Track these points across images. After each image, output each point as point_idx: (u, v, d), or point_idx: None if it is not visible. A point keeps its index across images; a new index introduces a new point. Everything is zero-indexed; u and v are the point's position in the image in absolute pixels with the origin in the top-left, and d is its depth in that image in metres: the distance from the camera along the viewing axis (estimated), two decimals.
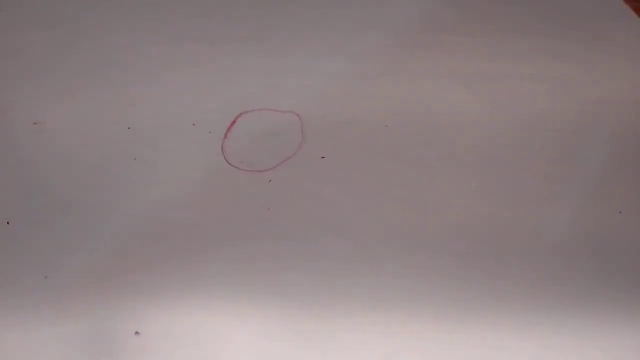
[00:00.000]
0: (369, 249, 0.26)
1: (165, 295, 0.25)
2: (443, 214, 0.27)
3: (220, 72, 0.32)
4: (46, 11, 0.34)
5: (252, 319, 0.25)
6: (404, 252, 0.26)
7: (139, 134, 0.30)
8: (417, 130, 0.29)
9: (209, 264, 0.26)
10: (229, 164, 0.29)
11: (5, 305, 0.25)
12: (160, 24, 0.34)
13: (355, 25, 0.33)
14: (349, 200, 0.27)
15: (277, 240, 0.26)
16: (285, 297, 0.25)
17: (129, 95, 0.31)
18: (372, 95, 0.30)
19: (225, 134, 0.30)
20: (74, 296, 0.25)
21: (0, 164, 0.29)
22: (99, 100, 0.31)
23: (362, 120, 0.29)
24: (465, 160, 0.28)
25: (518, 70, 0.31)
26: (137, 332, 0.24)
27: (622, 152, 0.28)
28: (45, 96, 0.31)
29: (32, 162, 0.29)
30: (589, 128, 0.29)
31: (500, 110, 0.29)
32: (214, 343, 0.24)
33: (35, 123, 0.30)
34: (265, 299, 0.25)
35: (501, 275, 0.26)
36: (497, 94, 0.30)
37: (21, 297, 0.25)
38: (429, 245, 0.27)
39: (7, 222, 0.27)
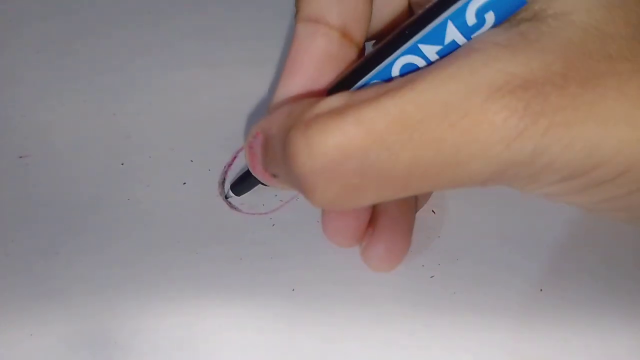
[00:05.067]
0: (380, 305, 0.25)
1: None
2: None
3: (220, 101, 0.30)
4: (39, 41, 0.33)
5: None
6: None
7: (132, 171, 0.28)
8: None
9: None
10: (230, 206, 0.27)
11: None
12: (154, 50, 0.32)
13: None
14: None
15: (284, 294, 0.25)
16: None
17: (122, 129, 0.29)
18: None
19: (226, 171, 0.28)
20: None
21: None
22: (90, 132, 0.29)
23: None
24: None
25: None
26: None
27: None
28: (32, 128, 0.29)
29: (17, 199, 0.27)
30: None
31: None
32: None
33: (21, 157, 0.28)
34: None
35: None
36: None
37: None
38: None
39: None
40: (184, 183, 0.28)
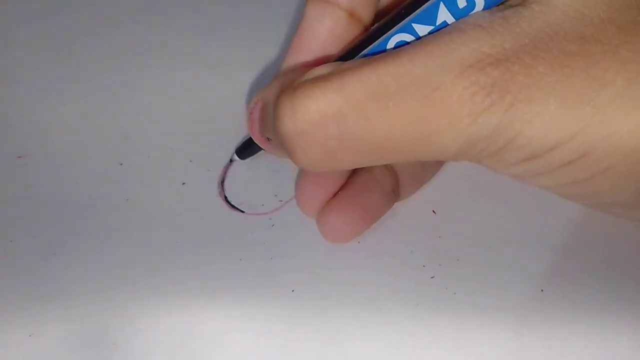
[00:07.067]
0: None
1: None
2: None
3: (220, 101, 0.30)
4: (39, 41, 0.33)
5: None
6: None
7: (132, 171, 0.28)
8: None
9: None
10: (229, 205, 0.27)
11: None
12: (154, 50, 0.32)
13: None
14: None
15: (284, 295, 0.25)
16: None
17: (122, 129, 0.29)
18: None
19: (225, 172, 0.28)
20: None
21: None
22: (89, 132, 0.29)
23: None
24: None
25: None
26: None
27: None
28: (32, 128, 0.29)
29: (17, 199, 0.27)
30: None
31: None
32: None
33: (20, 157, 0.28)
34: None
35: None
36: None
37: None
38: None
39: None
40: (183, 183, 0.28)
